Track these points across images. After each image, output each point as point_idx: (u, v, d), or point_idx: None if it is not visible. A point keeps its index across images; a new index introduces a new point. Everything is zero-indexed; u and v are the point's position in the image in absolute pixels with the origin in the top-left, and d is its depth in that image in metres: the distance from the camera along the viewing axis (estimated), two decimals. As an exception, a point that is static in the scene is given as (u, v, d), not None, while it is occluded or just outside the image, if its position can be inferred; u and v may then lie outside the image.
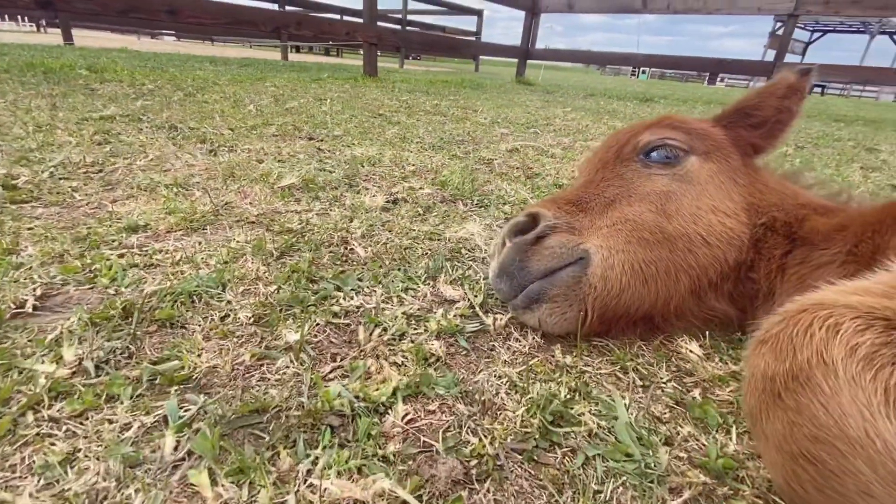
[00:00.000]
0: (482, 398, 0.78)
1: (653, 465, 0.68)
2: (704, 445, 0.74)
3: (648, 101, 8.13)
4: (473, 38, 14.87)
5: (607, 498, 0.63)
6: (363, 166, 2.20)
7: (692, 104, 8.12)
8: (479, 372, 0.86)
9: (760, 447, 0.52)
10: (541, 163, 2.68)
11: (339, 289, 1.07)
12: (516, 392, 0.82)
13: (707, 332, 1.03)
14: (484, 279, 1.19)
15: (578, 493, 0.64)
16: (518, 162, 2.68)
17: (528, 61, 10.37)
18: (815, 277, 0.90)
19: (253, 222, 1.43)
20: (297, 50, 18.49)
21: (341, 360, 0.86)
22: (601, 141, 1.28)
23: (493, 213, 1.75)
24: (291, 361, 0.83)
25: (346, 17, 15.77)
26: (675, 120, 1.17)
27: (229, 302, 1.00)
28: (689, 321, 1.03)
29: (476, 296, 1.10)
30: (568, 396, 0.80)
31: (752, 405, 0.52)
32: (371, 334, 0.92)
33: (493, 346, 0.95)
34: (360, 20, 7.21)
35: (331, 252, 1.26)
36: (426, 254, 1.32)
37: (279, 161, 2.14)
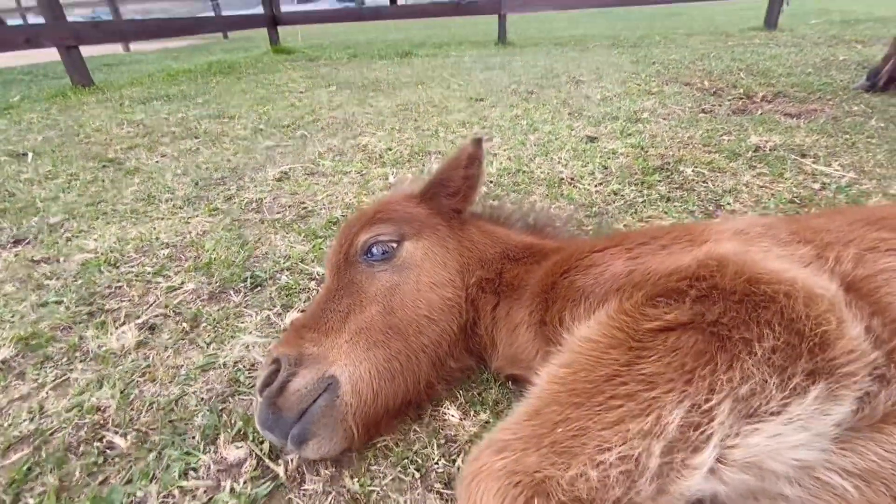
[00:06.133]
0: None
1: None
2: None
3: (408, 54, 8.40)
4: (211, 9, 12.89)
5: None
6: (101, 272, 1.88)
7: (446, 49, 8.68)
8: (277, 551, 0.92)
9: None
10: (312, 191, 2.65)
11: (104, 513, 0.98)
12: (314, 555, 0.91)
13: (461, 388, 1.26)
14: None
15: None
16: (289, 195, 2.60)
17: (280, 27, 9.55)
18: (515, 335, 1.17)
19: (-40, 445, 1.15)
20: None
21: None
22: (336, 237, 1.35)
23: (269, 296, 1.72)
24: None
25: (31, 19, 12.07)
26: (385, 211, 1.31)
27: None
28: (440, 389, 1.23)
29: (262, 442, 1.12)
30: (358, 536, 0.93)
31: None
32: (154, 566, 0.89)
33: (290, 499, 1.02)
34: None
35: (82, 458, 1.11)
36: (201, 401, 1.26)
37: (-24, 307, 1.68)
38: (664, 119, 3.58)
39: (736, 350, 0.69)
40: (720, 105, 3.92)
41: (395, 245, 1.26)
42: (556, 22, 15.96)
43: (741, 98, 4.07)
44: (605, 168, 2.70)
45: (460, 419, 1.18)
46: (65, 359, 1.43)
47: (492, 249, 1.36)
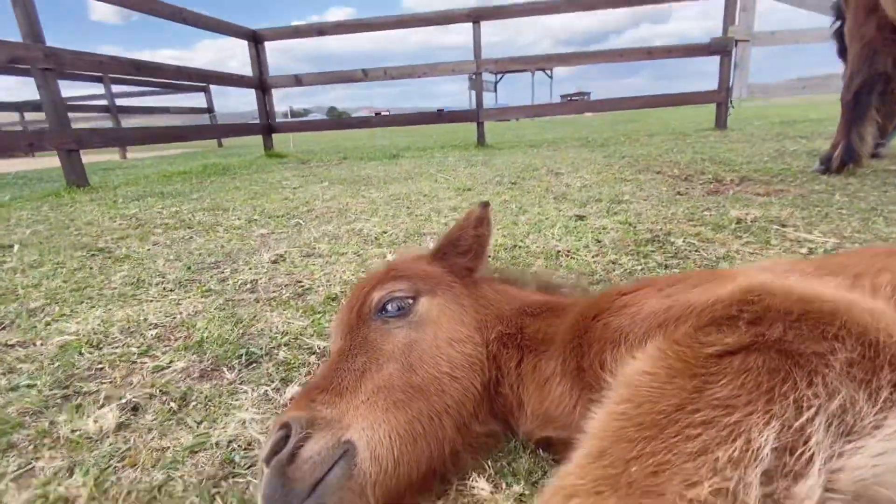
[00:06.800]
0: None
1: None
2: None
3: (396, 156, 8.97)
4: (207, 115, 13.86)
5: None
6: (81, 354, 1.74)
7: (430, 152, 9.34)
8: None
9: None
10: (309, 270, 2.61)
11: None
12: None
13: (488, 459, 1.13)
14: None
15: None
16: (285, 275, 2.55)
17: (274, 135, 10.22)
18: (546, 391, 1.08)
19: None
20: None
21: None
22: (346, 299, 1.30)
23: (266, 370, 1.59)
24: None
25: (27, 115, 12.81)
26: (399, 269, 1.29)
27: None
28: (467, 456, 1.11)
29: (262, 530, 0.95)
30: None
31: None
32: None
33: None
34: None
35: (41, 560, 0.92)
36: (189, 487, 1.09)
37: (-67, 395, 1.50)
38: (644, 200, 3.78)
39: (811, 365, 0.64)
40: (693, 188, 4.19)
41: (410, 301, 1.21)
42: (527, 129, 17.57)
43: (711, 182, 4.38)
44: (599, 241, 2.77)
45: (491, 492, 1.04)
46: (31, 446, 1.25)
47: (508, 306, 1.32)
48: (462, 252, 1.42)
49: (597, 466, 0.64)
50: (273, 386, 1.50)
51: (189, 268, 2.74)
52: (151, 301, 2.26)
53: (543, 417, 1.09)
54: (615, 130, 12.72)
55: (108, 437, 1.27)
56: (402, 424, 0.98)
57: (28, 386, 1.53)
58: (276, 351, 1.73)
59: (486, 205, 1.45)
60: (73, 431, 1.29)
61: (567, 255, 2.58)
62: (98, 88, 13.15)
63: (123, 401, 1.42)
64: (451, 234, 1.44)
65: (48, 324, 2.03)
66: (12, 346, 1.83)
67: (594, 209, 3.54)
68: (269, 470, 0.89)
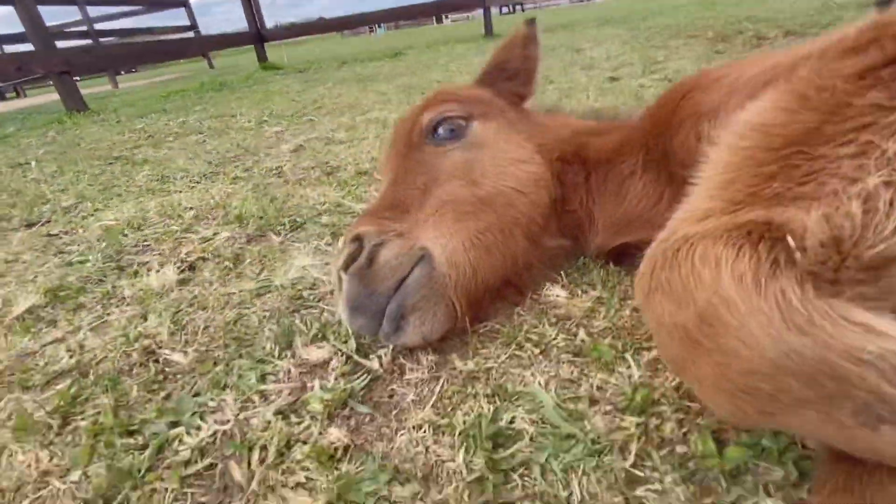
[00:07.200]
0: (416, 468, 0.68)
1: (594, 436, 0.69)
2: (617, 385, 0.78)
3: (399, 54, 8.37)
4: (192, 34, 12.96)
5: (584, 499, 0.62)
6: (125, 235, 1.73)
7: (436, 47, 8.67)
8: (397, 434, 0.75)
9: (696, 390, 0.55)
10: (333, 153, 2.51)
11: (175, 424, 0.81)
12: (444, 433, 0.74)
13: (561, 272, 1.10)
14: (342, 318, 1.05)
15: (556, 513, 0.60)
16: (310, 160, 2.46)
17: (266, 44, 9.55)
18: (623, 192, 1.01)
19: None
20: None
21: (226, 521, 0.65)
22: (390, 133, 1.21)
23: (314, 231, 1.56)
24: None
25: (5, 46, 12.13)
26: (447, 93, 1.18)
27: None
28: (540, 268, 1.08)
29: (346, 341, 0.96)
30: (491, 409, 0.76)
31: (675, 355, 0.54)
32: (248, 465, 0.72)
33: (394, 390, 0.85)
34: (31, 47, 5.57)
35: (138, 378, 0.94)
36: (264, 318, 1.09)
37: (-7, 277, 1.52)
38: (681, 59, 3.47)
39: None
40: (733, 46, 3.82)
41: (463, 123, 1.12)
42: (539, 15, 16.10)
43: (753, 39, 3.98)
44: (639, 98, 2.57)
45: (567, 298, 1.02)
46: (99, 305, 1.26)
47: (567, 130, 1.21)
48: (510, 76, 1.29)
49: (729, 192, 0.57)
50: (324, 241, 1.47)
51: (210, 162, 2.66)
52: (180, 192, 2.21)
53: (620, 223, 1.03)
54: (632, 10, 11.57)
55: (172, 290, 1.28)
56: (474, 234, 0.94)
57: (81, 262, 1.54)
58: (318, 217, 1.69)
59: (532, 21, 1.29)
60: (136, 291, 1.30)
61: (605, 113, 2.41)
62: (74, 14, 12.28)
63: (179, 264, 1.41)
64: (496, 58, 1.30)
65: (85, 217, 2.01)
66: (55, 234, 1.83)
67: (627, 72, 3.27)
68: (349, 276, 0.86)
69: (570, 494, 0.62)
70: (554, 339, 0.91)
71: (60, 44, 7.10)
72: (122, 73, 17.82)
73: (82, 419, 0.85)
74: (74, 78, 5.97)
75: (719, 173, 0.61)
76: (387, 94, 4.11)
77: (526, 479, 0.65)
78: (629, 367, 0.81)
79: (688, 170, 0.84)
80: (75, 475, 0.74)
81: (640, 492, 0.61)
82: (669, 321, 0.52)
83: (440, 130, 1.11)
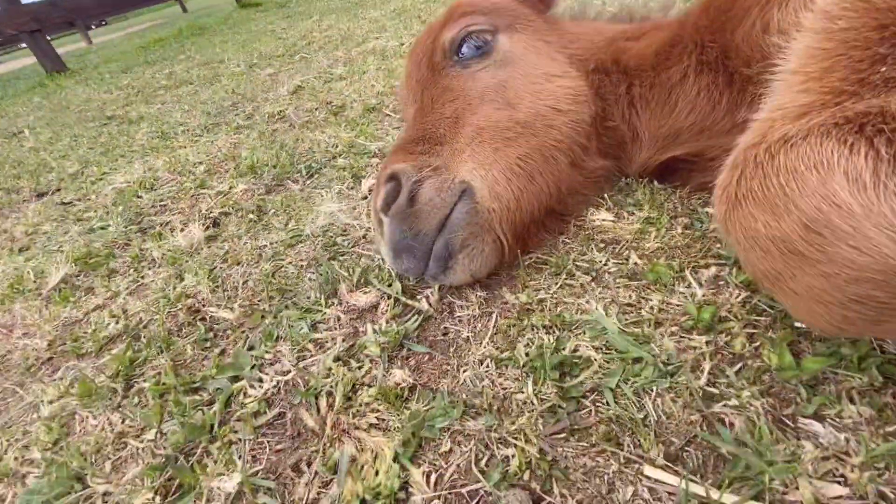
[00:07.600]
0: (486, 402, 0.68)
1: (665, 357, 0.68)
2: (680, 305, 0.76)
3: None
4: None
5: (660, 419, 0.61)
6: (140, 196, 1.68)
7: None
8: (460, 370, 0.75)
9: (790, 304, 0.52)
10: (335, 91, 2.37)
11: (236, 378, 0.81)
12: (507, 366, 0.73)
13: (604, 195, 1.05)
14: (384, 260, 1.02)
15: (636, 434, 0.60)
16: (312, 101, 2.33)
17: (240, -22, 8.82)
18: (672, 101, 0.93)
19: (45, 364, 1.00)
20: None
21: (307, 465, 0.66)
22: (406, 60, 1.11)
23: (333, 175, 1.50)
24: (250, 513, 0.62)
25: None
26: (467, 3, 1.06)
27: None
28: (583, 193, 1.03)
29: (390, 284, 0.94)
30: (553, 340, 0.74)
31: (768, 269, 0.50)
32: (318, 411, 0.72)
33: (447, 328, 0.84)
34: (-8, 4, 5.21)
35: (189, 337, 0.94)
36: (302, 268, 1.08)
37: (17, 253, 1.51)
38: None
39: None
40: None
41: (489, 38, 1.01)
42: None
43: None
44: None
45: (614, 221, 0.97)
46: (132, 269, 1.25)
47: (599, 36, 1.10)
48: None
49: (828, 82, 0.51)
50: (345, 185, 1.42)
51: (209, 113, 2.54)
52: (184, 147, 2.13)
53: (668, 135, 0.96)
54: None
55: (201, 248, 1.25)
56: (515, 161, 0.88)
57: (102, 228, 1.51)
58: (333, 161, 1.62)
59: None
60: (166, 250, 1.28)
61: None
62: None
63: (203, 221, 1.38)
64: None
65: (94, 182, 1.96)
66: (69, 203, 1.80)
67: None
68: (391, 218, 0.82)
69: (646, 416, 0.62)
70: (604, 264, 0.88)
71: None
72: (94, 27, 16.84)
73: (144, 381, 0.86)
74: (47, 37, 5.63)
75: (813, 62, 0.54)
76: (380, 22, 3.83)
77: (599, 404, 0.65)
78: (689, 286, 0.79)
79: (754, 67, 0.76)
80: (150, 434, 0.76)
81: (717, 408, 0.61)
82: (765, 233, 0.48)
83: (465, 49, 1.01)
